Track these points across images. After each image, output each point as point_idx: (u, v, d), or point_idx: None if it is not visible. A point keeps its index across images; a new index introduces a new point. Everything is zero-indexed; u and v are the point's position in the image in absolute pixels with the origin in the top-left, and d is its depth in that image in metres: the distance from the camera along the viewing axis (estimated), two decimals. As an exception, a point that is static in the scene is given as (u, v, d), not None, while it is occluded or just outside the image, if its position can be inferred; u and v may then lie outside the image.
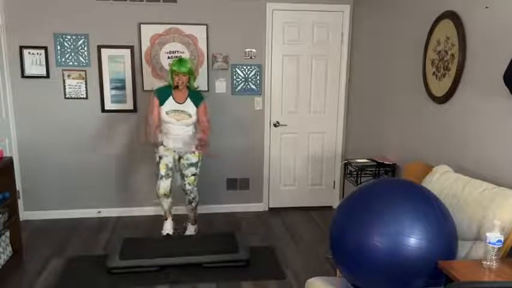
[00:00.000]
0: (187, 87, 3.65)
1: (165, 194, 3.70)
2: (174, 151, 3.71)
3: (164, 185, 3.67)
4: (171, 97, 3.61)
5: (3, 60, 4.01)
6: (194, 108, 3.64)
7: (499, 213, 1.96)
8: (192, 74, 3.61)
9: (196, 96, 3.68)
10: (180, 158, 3.76)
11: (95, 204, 4.48)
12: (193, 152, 3.72)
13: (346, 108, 4.68)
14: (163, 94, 3.62)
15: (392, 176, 3.56)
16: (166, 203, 3.76)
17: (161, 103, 3.61)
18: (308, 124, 4.67)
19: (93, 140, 4.35)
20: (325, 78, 4.59)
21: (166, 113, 3.59)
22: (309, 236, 4.08)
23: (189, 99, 3.64)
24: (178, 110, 3.61)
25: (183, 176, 3.80)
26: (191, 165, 3.74)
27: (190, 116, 3.62)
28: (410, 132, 3.37)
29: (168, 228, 3.84)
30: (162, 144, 3.69)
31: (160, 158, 3.68)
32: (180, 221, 4.12)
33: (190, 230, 4.00)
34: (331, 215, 2.24)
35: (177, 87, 3.59)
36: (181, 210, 4.28)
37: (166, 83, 3.78)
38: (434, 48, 2.97)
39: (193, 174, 3.77)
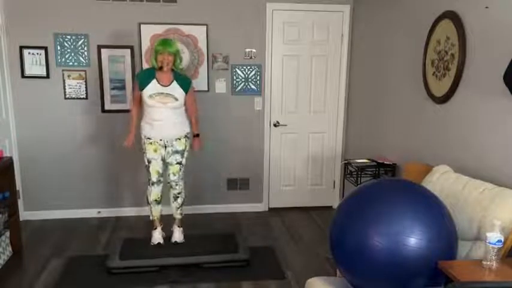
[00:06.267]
0: (172, 70, 3.39)
1: (156, 200, 3.54)
2: (160, 140, 3.42)
3: (156, 191, 3.52)
4: (154, 80, 3.33)
5: (3, 60, 4.01)
6: (181, 92, 3.37)
7: (499, 213, 1.96)
8: (178, 55, 3.37)
9: (184, 80, 3.42)
10: (165, 147, 3.48)
11: (95, 204, 4.48)
12: (179, 139, 3.46)
13: (346, 108, 4.68)
14: (145, 76, 3.35)
15: (392, 176, 3.56)
16: (156, 209, 3.58)
17: (143, 87, 3.32)
18: (308, 124, 4.67)
19: (93, 140, 4.35)
20: (325, 78, 4.59)
21: (150, 96, 3.30)
22: (309, 236, 4.08)
23: (175, 82, 3.37)
24: (163, 93, 3.32)
25: (167, 165, 3.54)
26: (176, 152, 3.47)
27: (176, 99, 3.35)
28: (410, 132, 3.37)
29: (158, 237, 3.57)
30: (146, 138, 3.43)
31: (149, 162, 3.46)
32: (167, 225, 3.78)
33: (178, 233, 3.65)
34: (331, 215, 2.24)
35: (161, 68, 3.30)
36: (166, 211, 4.19)
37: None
38: (434, 48, 2.97)
39: (178, 163, 3.50)
